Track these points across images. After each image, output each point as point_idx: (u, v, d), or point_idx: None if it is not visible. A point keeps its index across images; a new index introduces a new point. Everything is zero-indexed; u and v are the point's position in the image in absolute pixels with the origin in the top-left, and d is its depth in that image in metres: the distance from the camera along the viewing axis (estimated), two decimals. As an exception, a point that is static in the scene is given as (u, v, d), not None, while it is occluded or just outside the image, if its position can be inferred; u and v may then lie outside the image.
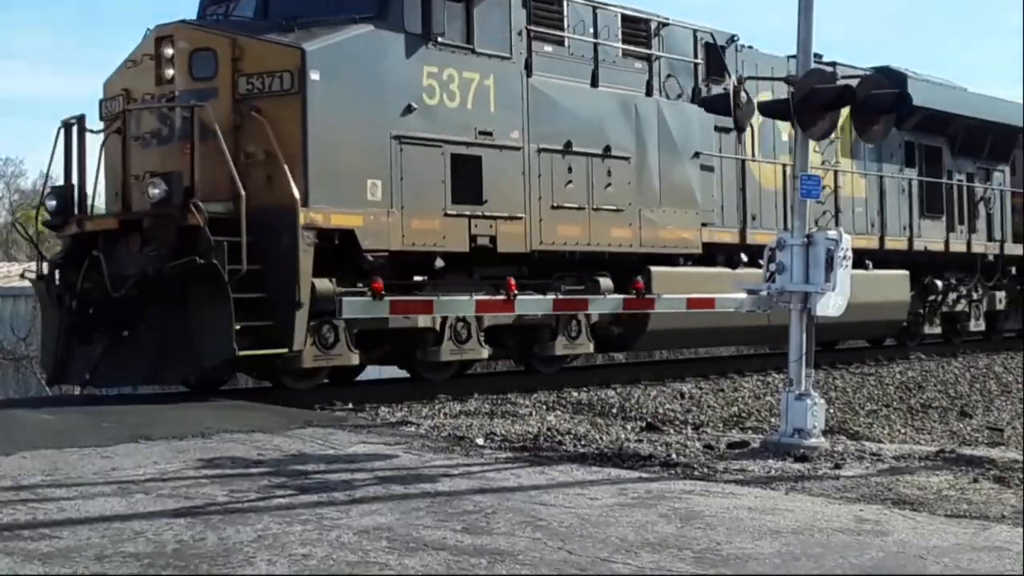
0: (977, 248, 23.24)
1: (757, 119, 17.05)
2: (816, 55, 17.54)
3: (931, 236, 21.82)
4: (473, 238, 13.52)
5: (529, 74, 14.20)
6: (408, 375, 14.69)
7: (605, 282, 14.68)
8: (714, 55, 17.16)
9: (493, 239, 13.74)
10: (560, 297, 14.07)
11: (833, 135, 17.86)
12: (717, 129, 16.83)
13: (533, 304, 12.83)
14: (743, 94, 10.89)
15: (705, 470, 8.32)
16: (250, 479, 7.53)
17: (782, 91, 11.11)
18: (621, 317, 15.05)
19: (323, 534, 6.00)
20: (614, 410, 12.80)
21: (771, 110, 11.18)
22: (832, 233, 9.47)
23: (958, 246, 22.72)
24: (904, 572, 5.42)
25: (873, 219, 20.48)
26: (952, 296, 22.57)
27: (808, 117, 9.55)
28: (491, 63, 13.85)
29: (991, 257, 23.66)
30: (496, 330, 14.18)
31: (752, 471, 8.31)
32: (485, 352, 13.98)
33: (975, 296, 23.25)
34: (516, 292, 11.52)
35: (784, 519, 6.56)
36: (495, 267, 14.05)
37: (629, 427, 11.05)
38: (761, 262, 14.77)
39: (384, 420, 11.13)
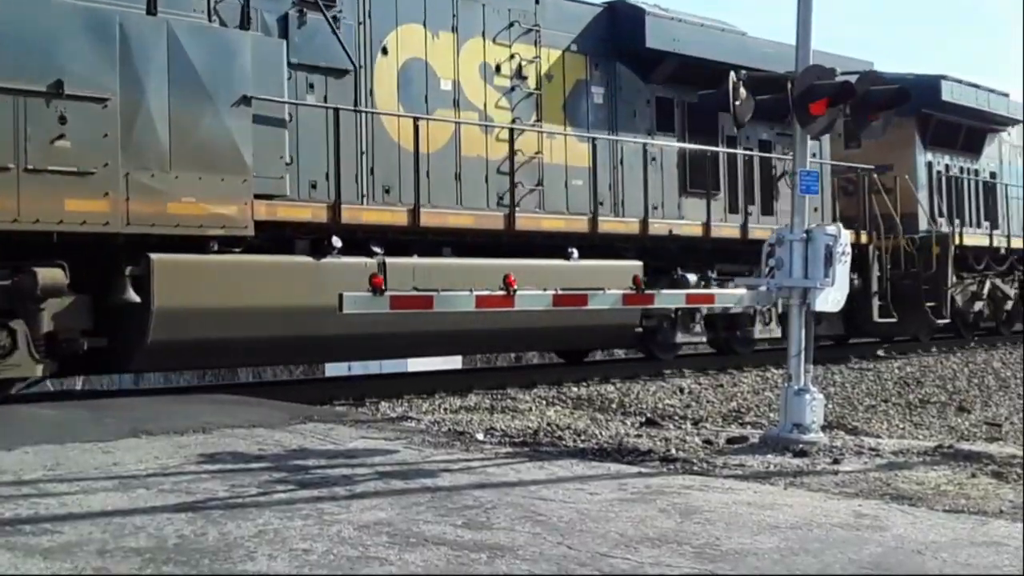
0: (760, 233, 17.23)
1: (397, 59, 14.39)
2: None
3: (695, 218, 17.32)
4: None
5: None
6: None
7: (47, 273, 10.70)
8: None
9: None
10: (560, 292, 13.87)
11: (531, 85, 15.54)
12: (300, 68, 13.15)
13: (533, 300, 12.60)
14: (743, 90, 10.87)
15: (704, 465, 8.32)
16: (251, 474, 7.53)
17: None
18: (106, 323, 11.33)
19: (324, 529, 6.01)
20: (613, 405, 12.81)
21: (768, 106, 11.13)
22: (831, 229, 9.49)
23: (727, 231, 17.69)
24: (902, 568, 5.42)
25: (603, 195, 16.10)
26: None
27: (807, 113, 9.53)
28: None
29: None
30: None
31: (751, 466, 8.31)
32: None
33: None
34: (516, 287, 11.38)
35: (783, 514, 6.56)
36: None
37: (628, 422, 11.07)
38: (376, 248, 13.29)
39: (384, 415, 11.15)
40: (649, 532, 6.05)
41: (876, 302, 19.05)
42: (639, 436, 9.82)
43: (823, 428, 9.57)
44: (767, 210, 18.54)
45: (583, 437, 9.67)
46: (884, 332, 20.48)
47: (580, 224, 15.61)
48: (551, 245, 15.20)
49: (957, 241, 21.23)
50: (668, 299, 13.83)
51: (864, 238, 19.22)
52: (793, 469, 8.17)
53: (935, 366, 18.03)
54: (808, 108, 9.49)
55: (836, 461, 8.44)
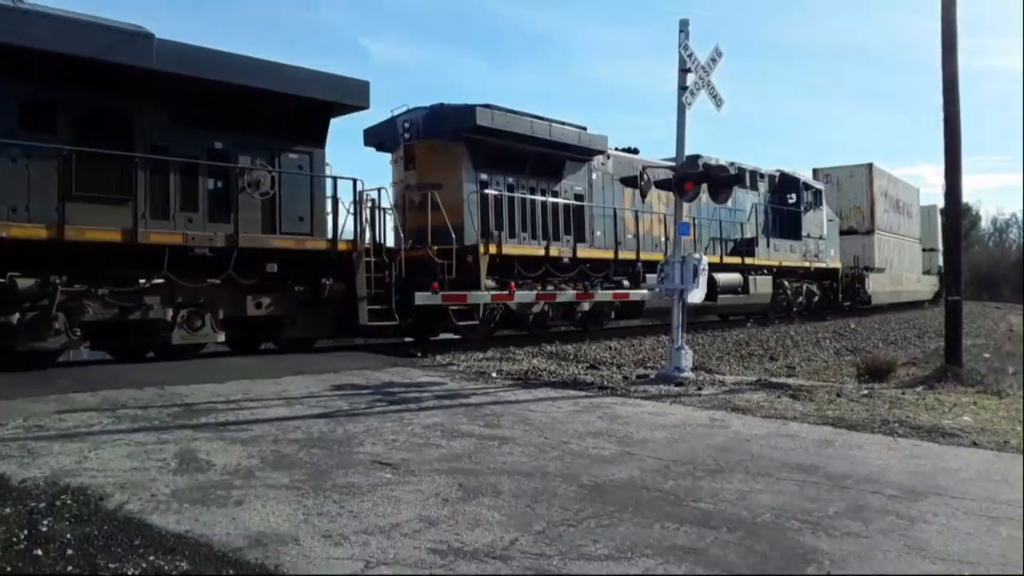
0: (158, 238, 9.83)
1: None
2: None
3: (84, 223, 9.25)
4: None
5: None
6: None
7: None
8: None
9: None
10: (542, 292, 13.59)
11: None
12: None
13: (525, 296, 12.38)
14: (646, 176, 10.92)
15: (623, 391, 8.32)
16: (361, 396, 7.56)
17: None
18: None
19: (403, 427, 6.03)
20: (571, 356, 12.75)
21: (661, 184, 11.12)
22: (697, 255, 9.51)
23: (100, 234, 9.35)
24: (737, 448, 5.42)
25: None
26: None
27: (684, 188, 9.56)
28: None
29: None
30: None
31: (651, 391, 8.31)
32: None
33: None
34: (515, 288, 11.26)
35: (669, 419, 6.59)
36: None
37: (580, 366, 11.03)
38: None
39: (438, 363, 11.09)
40: (591, 429, 6.07)
41: (365, 306, 11.56)
42: (586, 374, 9.80)
43: (692, 369, 9.57)
44: (219, 218, 10.55)
45: (554, 375, 9.64)
46: (374, 332, 12.69)
47: None
48: None
49: (493, 250, 13.34)
50: (600, 296, 13.54)
51: (343, 246, 11.42)
52: (675, 393, 8.17)
53: (757, 334, 17.97)
54: (684, 186, 9.52)
55: (700, 388, 8.45)
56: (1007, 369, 10.52)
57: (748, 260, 19.79)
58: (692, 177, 9.53)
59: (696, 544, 3.57)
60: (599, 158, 16.15)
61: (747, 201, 20.59)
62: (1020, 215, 72.83)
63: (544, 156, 14.78)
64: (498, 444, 5.48)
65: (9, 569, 3.19)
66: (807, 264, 22.74)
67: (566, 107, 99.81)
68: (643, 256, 16.43)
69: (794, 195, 22.39)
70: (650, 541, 3.60)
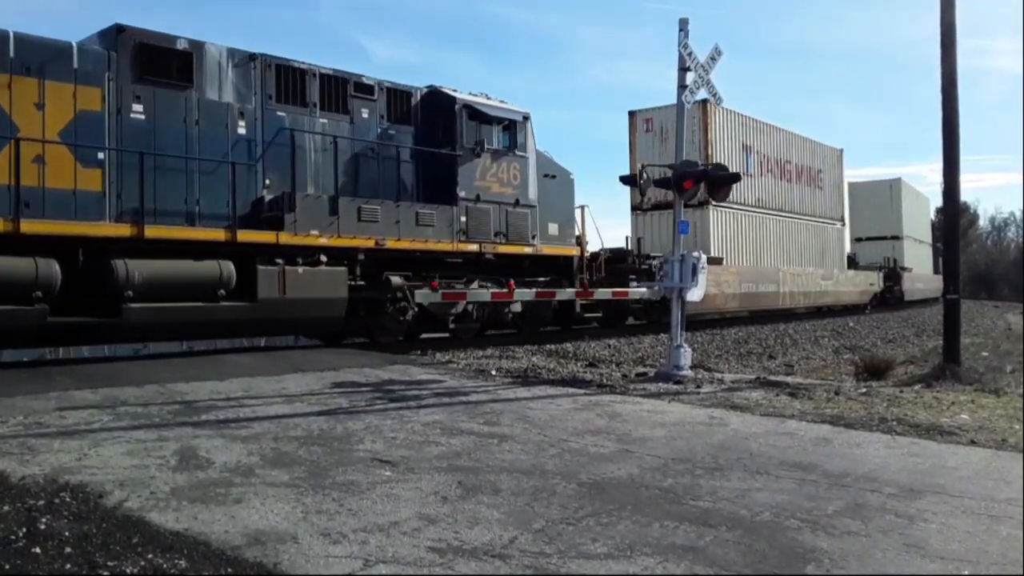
0: None
1: None
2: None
3: None
4: None
5: None
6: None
7: None
8: None
9: None
10: (540, 290, 13.56)
11: None
12: None
13: (524, 294, 12.35)
14: (645, 174, 10.86)
15: (622, 389, 8.30)
16: (361, 394, 7.54)
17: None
18: None
19: (403, 425, 6.01)
20: (570, 354, 12.74)
21: (659, 183, 11.08)
22: (696, 254, 9.48)
23: None
24: (736, 446, 5.40)
25: None
26: None
27: (682, 187, 9.53)
28: None
29: None
30: None
31: (650, 389, 8.30)
32: None
33: None
34: (514, 287, 11.27)
35: (668, 417, 6.57)
36: None
37: (579, 364, 11.02)
38: None
39: (438, 360, 11.09)
40: (591, 427, 6.05)
41: None
42: (585, 372, 9.79)
43: (691, 368, 9.56)
44: None
45: (553, 372, 9.63)
46: None
47: None
48: None
49: None
50: (600, 294, 13.54)
51: None
52: (674, 391, 8.16)
53: (756, 332, 17.96)
54: (683, 185, 9.49)
55: (699, 386, 8.43)
56: (1005, 367, 10.50)
57: (255, 236, 10.46)
58: (692, 176, 9.50)
59: (695, 543, 3.55)
60: None
61: (275, 130, 11.13)
62: (1018, 214, 72.81)
63: None
64: (497, 442, 5.46)
65: (7, 567, 3.17)
66: (471, 247, 13.01)
67: (566, 107, 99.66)
68: None
69: (444, 130, 12.72)
70: (649, 539, 3.58)
